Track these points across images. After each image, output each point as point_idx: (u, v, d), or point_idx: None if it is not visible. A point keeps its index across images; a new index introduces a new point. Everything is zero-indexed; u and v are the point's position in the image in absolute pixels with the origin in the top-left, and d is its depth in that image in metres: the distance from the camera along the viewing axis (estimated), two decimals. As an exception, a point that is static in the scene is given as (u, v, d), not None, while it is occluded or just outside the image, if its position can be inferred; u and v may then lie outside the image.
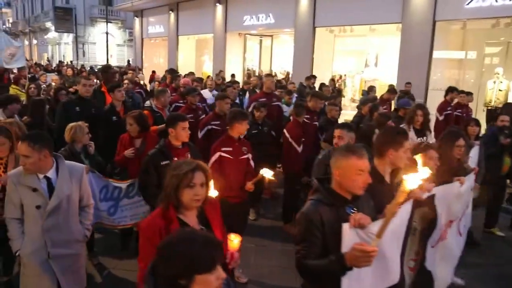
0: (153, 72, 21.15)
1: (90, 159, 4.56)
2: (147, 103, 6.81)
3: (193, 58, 23.15)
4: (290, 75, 17.90)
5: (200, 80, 10.20)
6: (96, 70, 21.25)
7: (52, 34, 40.86)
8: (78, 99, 5.97)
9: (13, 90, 9.79)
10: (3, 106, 5.76)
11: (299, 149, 5.78)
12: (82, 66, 28.28)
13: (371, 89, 10.88)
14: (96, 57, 36.95)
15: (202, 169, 2.29)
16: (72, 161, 3.39)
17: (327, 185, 2.41)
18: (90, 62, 34.62)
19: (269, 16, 16.37)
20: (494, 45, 12.59)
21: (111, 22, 34.23)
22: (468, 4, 10.52)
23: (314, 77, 11.87)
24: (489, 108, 11.28)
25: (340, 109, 8.16)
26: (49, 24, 40.11)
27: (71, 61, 34.48)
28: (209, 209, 2.42)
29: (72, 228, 3.21)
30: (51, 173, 3.08)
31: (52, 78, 11.14)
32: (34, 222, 3.05)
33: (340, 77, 15.78)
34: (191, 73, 12.15)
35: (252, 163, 4.67)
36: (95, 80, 12.57)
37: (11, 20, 54.21)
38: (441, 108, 8.54)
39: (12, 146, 3.68)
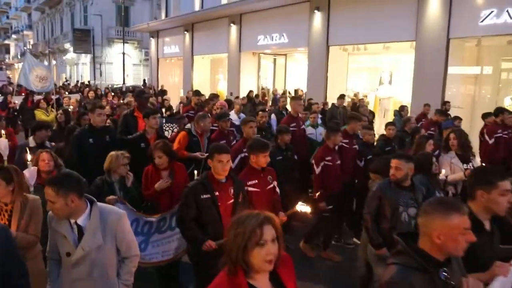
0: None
1: (125, 191, 4.34)
2: (188, 125, 6.48)
3: (208, 77, 23.46)
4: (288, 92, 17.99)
5: (229, 102, 9.71)
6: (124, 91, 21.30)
7: (71, 55, 41.89)
8: (91, 130, 5.62)
9: (38, 113, 9.99)
10: (33, 133, 5.73)
11: (317, 170, 5.60)
12: (96, 87, 28.64)
13: (403, 109, 10.28)
14: (113, 76, 37.66)
15: (271, 221, 1.90)
16: (110, 206, 3.06)
17: (414, 245, 2.03)
18: (107, 82, 35.33)
19: (282, 35, 16.56)
20: (511, 61, 12.49)
21: (127, 43, 34.95)
22: (482, 21, 10.51)
23: (344, 96, 11.86)
24: (507, 125, 11.13)
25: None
26: (67, 45, 41.17)
27: (88, 81, 35.22)
28: (282, 267, 1.99)
29: (106, 281, 2.85)
30: (82, 220, 2.76)
31: (71, 102, 11.00)
32: (66, 269, 2.83)
33: (356, 95, 15.77)
34: (215, 95, 11.98)
35: (278, 190, 4.47)
36: (122, 101, 12.47)
37: (32, 42, 55.77)
38: (491, 131, 7.97)
39: (18, 189, 3.32)
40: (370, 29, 13.03)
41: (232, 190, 3.71)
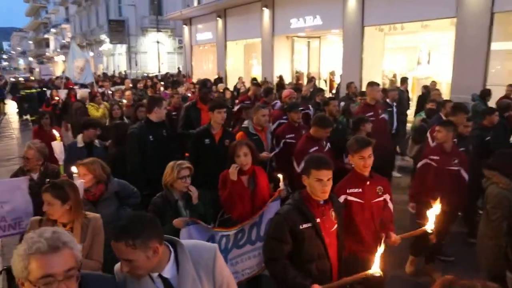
0: (187, 77, 21.61)
1: (192, 209, 3.62)
2: (245, 123, 5.63)
3: (242, 63, 23.49)
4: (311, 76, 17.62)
5: (298, 90, 8.67)
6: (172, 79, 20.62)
7: (107, 46, 42.92)
8: (149, 125, 5.03)
9: (91, 108, 9.21)
10: (82, 131, 5.41)
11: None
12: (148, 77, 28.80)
13: (487, 92, 9.07)
14: (148, 65, 38.34)
15: None
16: (198, 242, 2.31)
17: None
18: (143, 71, 36.03)
19: (316, 17, 16.31)
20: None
21: (161, 31, 35.39)
22: (530, -8, 9.98)
23: (407, 79, 11.28)
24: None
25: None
26: (103, 37, 42.18)
27: (125, 71, 36.02)
28: None
29: None
30: (168, 271, 2.01)
31: (126, 95, 10.09)
32: None
33: (394, 76, 15.43)
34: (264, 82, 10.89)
35: (391, 206, 3.57)
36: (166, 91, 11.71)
37: (69, 35, 57.42)
38: None
39: (76, 207, 2.93)
40: (407, 7, 12.62)
41: (333, 214, 2.94)
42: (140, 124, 5.19)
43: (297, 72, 19.62)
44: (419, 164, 4.85)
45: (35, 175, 4.42)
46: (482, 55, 11.05)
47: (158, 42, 31.09)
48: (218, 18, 22.43)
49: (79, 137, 5.38)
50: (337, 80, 17.53)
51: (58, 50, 59.52)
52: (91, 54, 48.01)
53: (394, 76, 15.44)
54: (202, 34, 25.32)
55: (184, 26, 27.05)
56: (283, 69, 19.00)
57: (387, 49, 15.45)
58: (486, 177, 3.99)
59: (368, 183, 3.39)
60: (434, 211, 2.96)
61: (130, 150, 4.91)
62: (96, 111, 8.97)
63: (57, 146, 4.41)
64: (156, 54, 31.52)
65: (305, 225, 2.79)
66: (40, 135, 6.49)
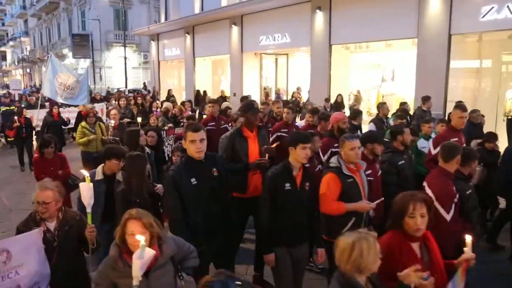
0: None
1: None
2: (333, 160, 4.06)
3: (210, 79, 23.69)
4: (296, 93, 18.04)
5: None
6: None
7: (69, 60, 42.02)
8: (191, 164, 3.55)
9: (82, 129, 7.99)
10: (103, 162, 4.52)
11: None
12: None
13: None
14: (113, 80, 37.86)
15: None
16: None
17: None
18: (107, 86, 35.55)
19: (285, 35, 16.77)
20: (511, 54, 12.75)
21: (126, 46, 35.20)
22: (483, 17, 10.73)
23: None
24: (510, 118, 11.40)
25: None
26: (66, 51, 41.33)
27: (89, 86, 35.39)
28: None
29: None
30: None
31: (112, 114, 8.54)
32: None
33: (358, 92, 16.06)
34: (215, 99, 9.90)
35: None
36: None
37: (28, 48, 55.80)
38: None
39: None
40: (372, 27, 13.25)
41: None
42: (178, 165, 3.76)
43: (265, 88, 19.98)
44: None
45: (51, 224, 3.28)
46: (442, 73, 11.74)
47: (125, 57, 30.79)
48: (186, 34, 22.57)
49: (99, 168, 4.47)
50: (303, 95, 18.03)
51: (16, 63, 57.64)
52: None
53: (358, 92, 16.11)
54: (169, 50, 25.35)
55: (152, 41, 26.99)
56: (251, 85, 19.33)
57: (353, 66, 16.08)
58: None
59: None
60: None
61: (167, 194, 3.65)
62: (89, 132, 7.81)
63: (86, 189, 3.23)
64: (121, 69, 31.24)
65: None
66: (41, 166, 6.04)
